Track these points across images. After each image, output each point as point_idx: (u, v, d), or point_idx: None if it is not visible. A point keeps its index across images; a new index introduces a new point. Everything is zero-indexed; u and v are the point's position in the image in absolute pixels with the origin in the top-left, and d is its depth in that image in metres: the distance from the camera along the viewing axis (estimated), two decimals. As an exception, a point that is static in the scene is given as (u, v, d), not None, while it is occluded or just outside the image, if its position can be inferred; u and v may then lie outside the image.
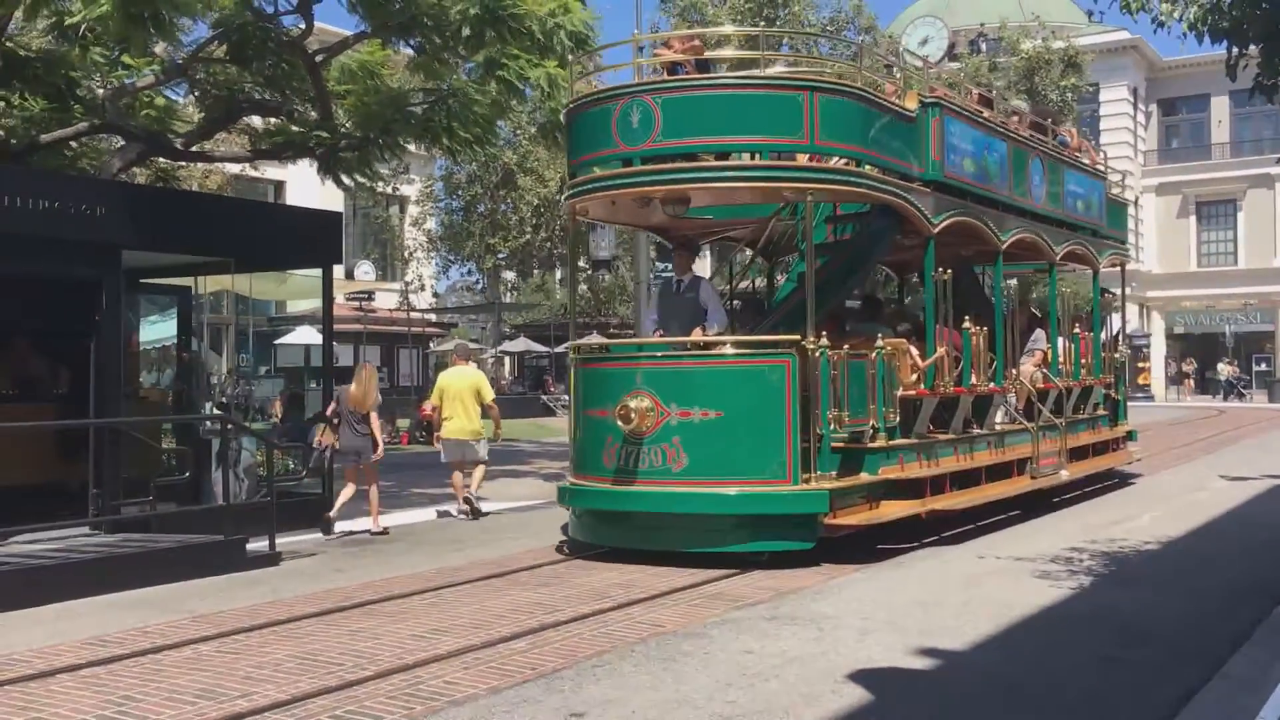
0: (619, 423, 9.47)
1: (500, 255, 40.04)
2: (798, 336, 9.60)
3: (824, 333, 10.40)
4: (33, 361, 11.63)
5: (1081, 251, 15.26)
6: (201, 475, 11.58)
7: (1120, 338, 17.42)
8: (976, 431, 12.32)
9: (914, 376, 11.16)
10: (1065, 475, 13.57)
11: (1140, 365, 45.93)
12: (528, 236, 38.04)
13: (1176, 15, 8.26)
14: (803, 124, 9.48)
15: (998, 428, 12.97)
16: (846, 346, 9.88)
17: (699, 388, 9.48)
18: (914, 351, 11.24)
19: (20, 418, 10.53)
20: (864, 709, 5.51)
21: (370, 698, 5.76)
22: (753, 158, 9.91)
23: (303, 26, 14.29)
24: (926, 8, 46.02)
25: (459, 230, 39.65)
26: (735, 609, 7.82)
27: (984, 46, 41.98)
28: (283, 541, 10.29)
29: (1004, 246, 12.70)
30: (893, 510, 10.32)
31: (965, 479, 11.85)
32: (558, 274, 46.13)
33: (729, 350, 9.75)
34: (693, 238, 11.86)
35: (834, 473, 9.87)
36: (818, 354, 9.57)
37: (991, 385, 12.52)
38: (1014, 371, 13.74)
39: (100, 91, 15.54)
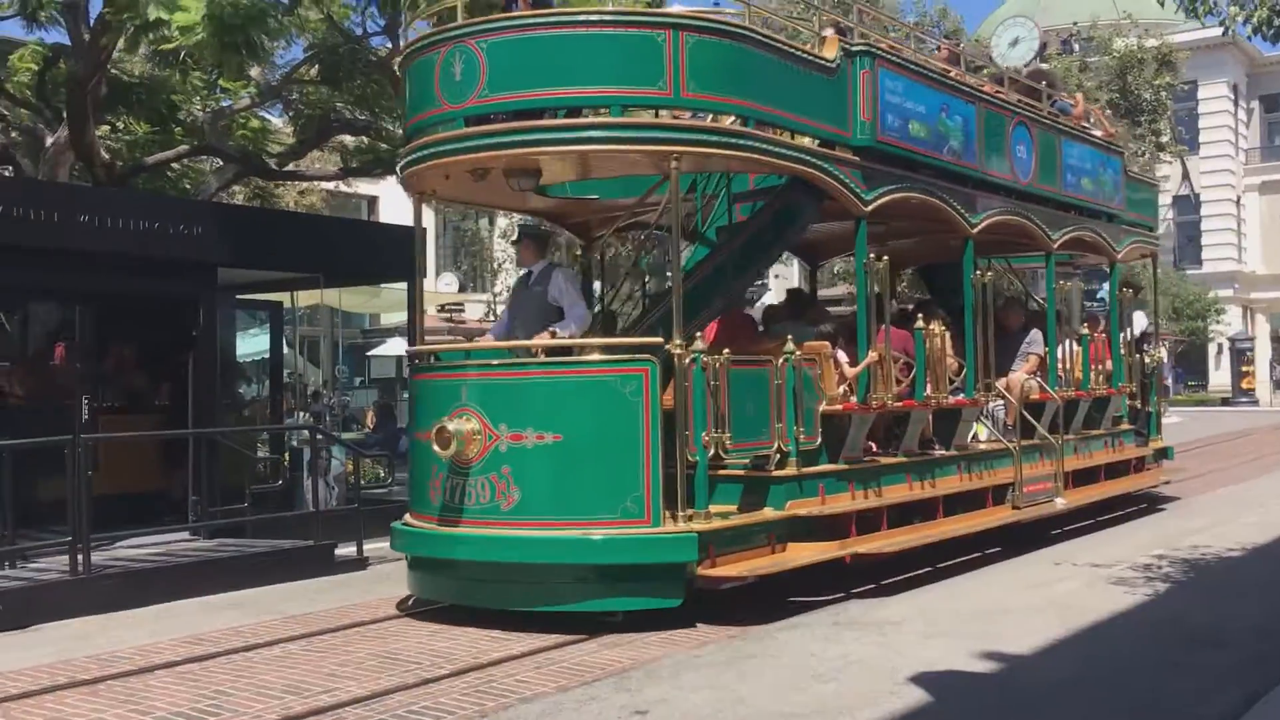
0: (435, 448, 7.59)
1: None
2: (658, 340, 7.64)
3: (724, 334, 8.45)
4: (137, 375, 12.14)
5: (1091, 239, 13.00)
6: (294, 483, 12.35)
7: (1147, 339, 15.05)
8: (939, 453, 10.20)
9: (842, 388, 9.10)
10: (1061, 504, 11.35)
11: (1244, 370, 43.88)
12: (614, 249, 36.82)
13: (1241, 18, 8.15)
14: (664, 71, 7.51)
15: (979, 447, 10.84)
16: (727, 351, 7.86)
17: (533, 404, 7.56)
18: (841, 357, 9.18)
19: (126, 429, 11.02)
20: None
21: (445, 694, 6.04)
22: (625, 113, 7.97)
23: (389, 46, 14.25)
24: (1017, 7, 43.86)
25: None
26: (523, 700, 5.93)
27: (1076, 46, 40.13)
28: (370, 547, 10.35)
29: (975, 231, 10.56)
30: (801, 555, 8.28)
31: (923, 511, 9.75)
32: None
33: (570, 358, 7.80)
34: (586, 223, 9.95)
35: (733, 506, 8.05)
36: (689, 361, 7.59)
37: (959, 397, 10.38)
38: (1000, 381, 11.60)
39: (200, 114, 16.41)
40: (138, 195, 13.38)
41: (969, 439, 10.92)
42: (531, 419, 7.48)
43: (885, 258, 9.13)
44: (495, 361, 7.87)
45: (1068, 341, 12.75)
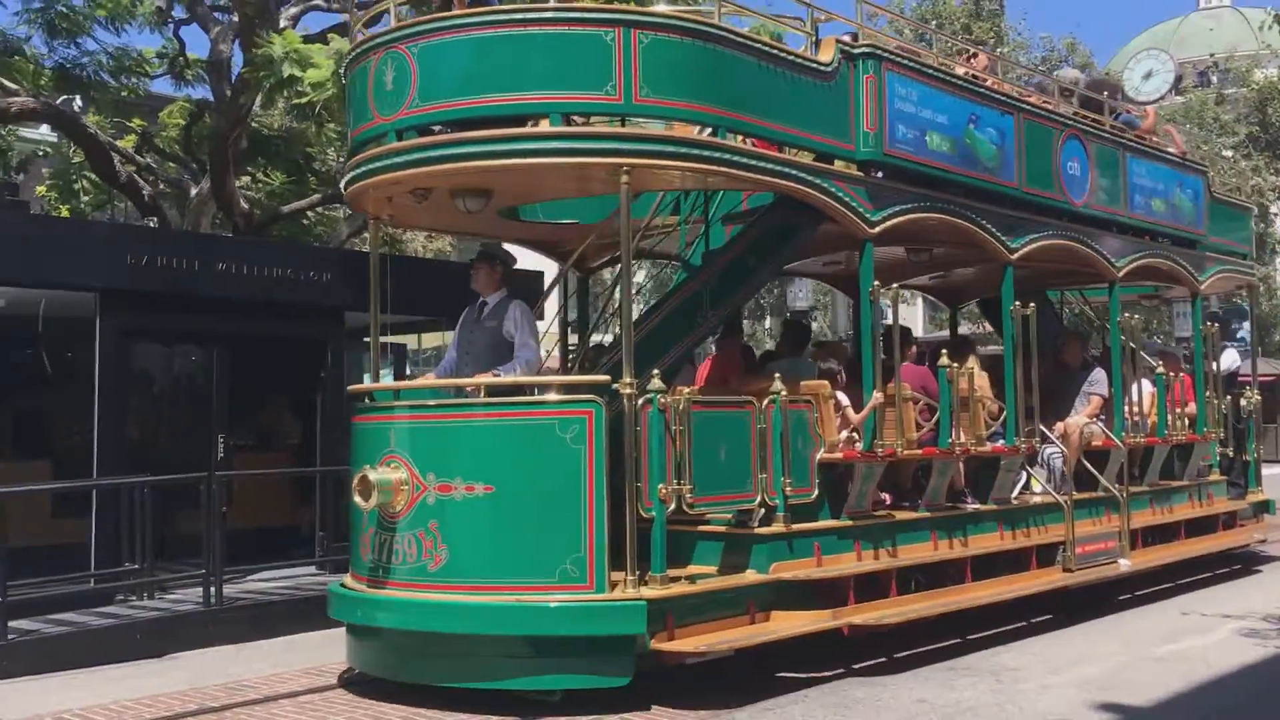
0: (357, 500, 6.76)
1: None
2: (605, 379, 6.70)
3: (715, 373, 7.49)
4: (270, 414, 12.53)
5: (1166, 267, 11.64)
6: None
7: (1240, 379, 13.51)
8: (972, 507, 9.01)
9: (844, 434, 8.02)
10: (1125, 565, 10.01)
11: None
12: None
13: None
14: (613, 74, 6.62)
15: (1031, 500, 9.62)
16: (688, 391, 6.88)
17: (462, 451, 6.67)
18: (841, 399, 8.10)
19: (259, 466, 11.44)
20: None
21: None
22: (584, 122, 7.11)
23: None
24: (1150, 40, 42.23)
25: (663, 282, 38.04)
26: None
27: (1214, 78, 38.47)
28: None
29: (1015, 257, 9.40)
30: (784, 626, 7.21)
31: (956, 574, 8.58)
32: (766, 322, 43.89)
33: (502, 399, 6.90)
34: (580, 251, 9.06)
35: (714, 568, 7.11)
36: (643, 402, 6.64)
37: (997, 444, 9.19)
38: (1057, 426, 10.36)
39: (333, 164, 17.09)
40: (272, 243, 13.92)
41: (1016, 491, 9.72)
42: (461, 468, 6.60)
43: (895, 285, 8.05)
44: (430, 403, 6.99)
45: (1142, 382, 11.42)
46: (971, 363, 9.40)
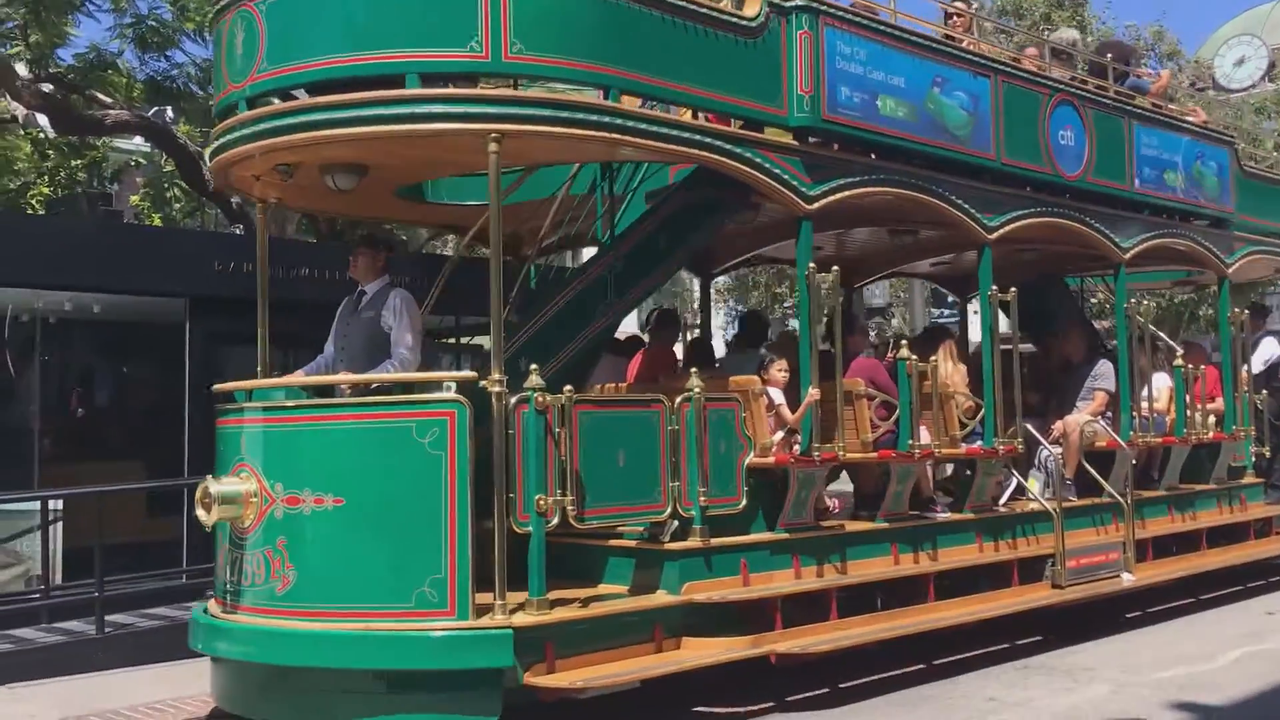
0: (200, 514, 6.02)
1: (787, 305, 37.45)
2: (470, 374, 5.88)
3: (646, 370, 6.66)
4: None
5: (1185, 248, 10.52)
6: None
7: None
8: (943, 516, 8.05)
9: (778, 435, 7.12)
10: (1129, 579, 8.95)
11: None
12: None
13: None
14: (478, 29, 5.80)
15: (1028, 507, 8.63)
16: (569, 389, 6.02)
17: (310, 459, 5.90)
18: (774, 396, 7.19)
19: None
20: None
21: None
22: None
23: None
24: (1241, 25, 40.37)
25: (744, 281, 37.31)
26: None
27: None
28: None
29: (994, 237, 8.41)
30: (694, 655, 6.34)
31: (917, 592, 7.64)
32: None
33: (352, 400, 6.12)
34: (515, 237, 8.26)
35: (624, 588, 6.26)
36: (516, 401, 5.82)
37: (973, 445, 8.22)
38: (1056, 425, 9.36)
39: None
40: (347, 249, 13.91)
41: (1005, 498, 8.74)
42: (309, 477, 5.83)
43: (835, 268, 7.13)
44: (281, 404, 6.20)
45: (1161, 375, 10.34)
46: (944, 354, 8.43)
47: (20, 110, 13.63)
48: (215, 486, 5.91)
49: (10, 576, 9.18)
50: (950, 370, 8.38)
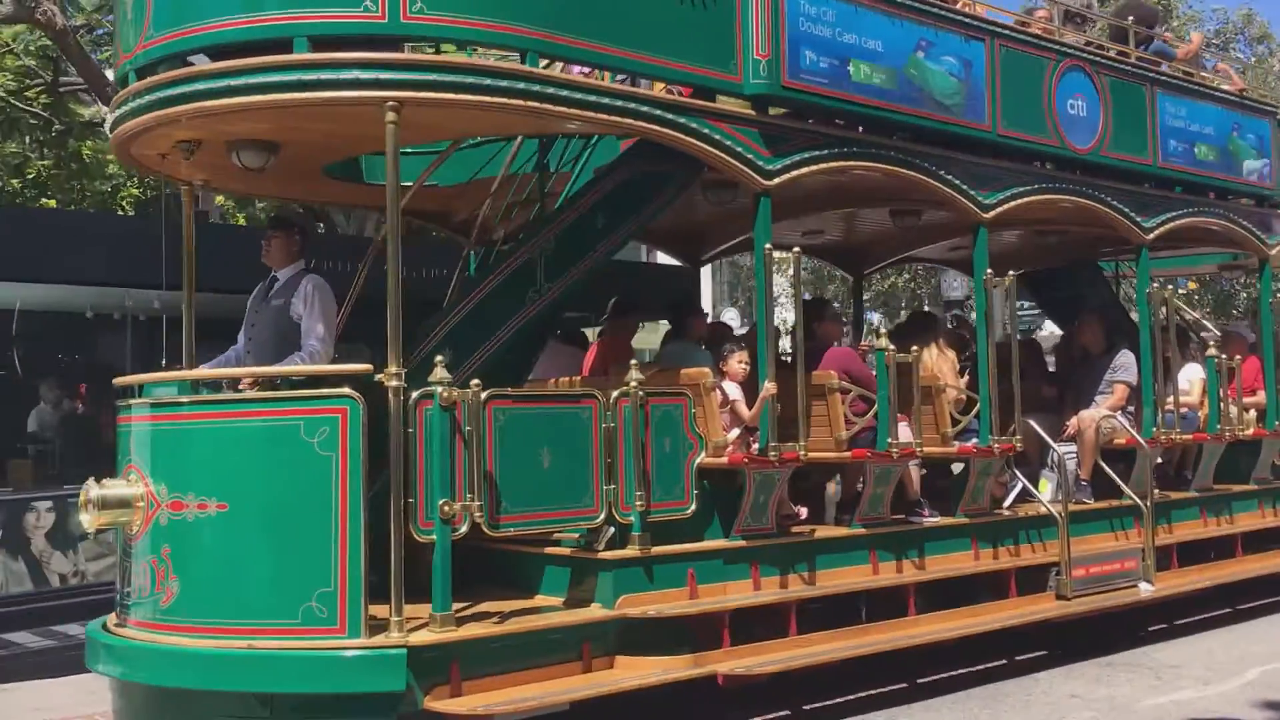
0: (82, 518, 5.56)
1: (865, 297, 36.86)
2: (364, 367, 5.35)
3: (598, 363, 6.12)
4: None
5: (1220, 228, 9.68)
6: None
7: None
8: (930, 521, 7.38)
9: (733, 433, 6.51)
10: (1147, 589, 8.19)
11: None
12: (891, 279, 34.49)
13: None
14: (372, -13, 5.27)
15: (1042, 511, 7.92)
16: (476, 384, 5.46)
17: (196, 460, 5.40)
18: (730, 390, 6.57)
19: None
20: None
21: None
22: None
23: None
24: None
25: (821, 274, 36.88)
26: None
27: None
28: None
29: (990, 215, 7.70)
30: (626, 676, 5.75)
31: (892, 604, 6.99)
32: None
33: (237, 395, 5.61)
34: (474, 221, 7.73)
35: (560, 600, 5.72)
36: (420, 398, 5.29)
37: (967, 444, 7.53)
38: (1071, 420, 8.64)
39: None
40: (430, 246, 13.89)
41: (1010, 501, 8.04)
42: (194, 480, 5.33)
43: (796, 248, 6.49)
44: (170, 400, 5.67)
45: (1192, 366, 9.54)
46: (931, 344, 7.76)
47: (111, 115, 13.56)
48: (95, 490, 5.45)
49: (104, 567, 8.95)
50: (936, 361, 7.71)
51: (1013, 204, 7.80)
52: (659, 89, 6.52)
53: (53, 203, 16.87)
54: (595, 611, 5.84)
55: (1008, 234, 9.79)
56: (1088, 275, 11.17)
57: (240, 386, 5.80)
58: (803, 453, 6.45)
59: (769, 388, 6.36)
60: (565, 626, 5.70)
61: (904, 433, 7.07)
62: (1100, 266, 11.65)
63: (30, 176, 16.99)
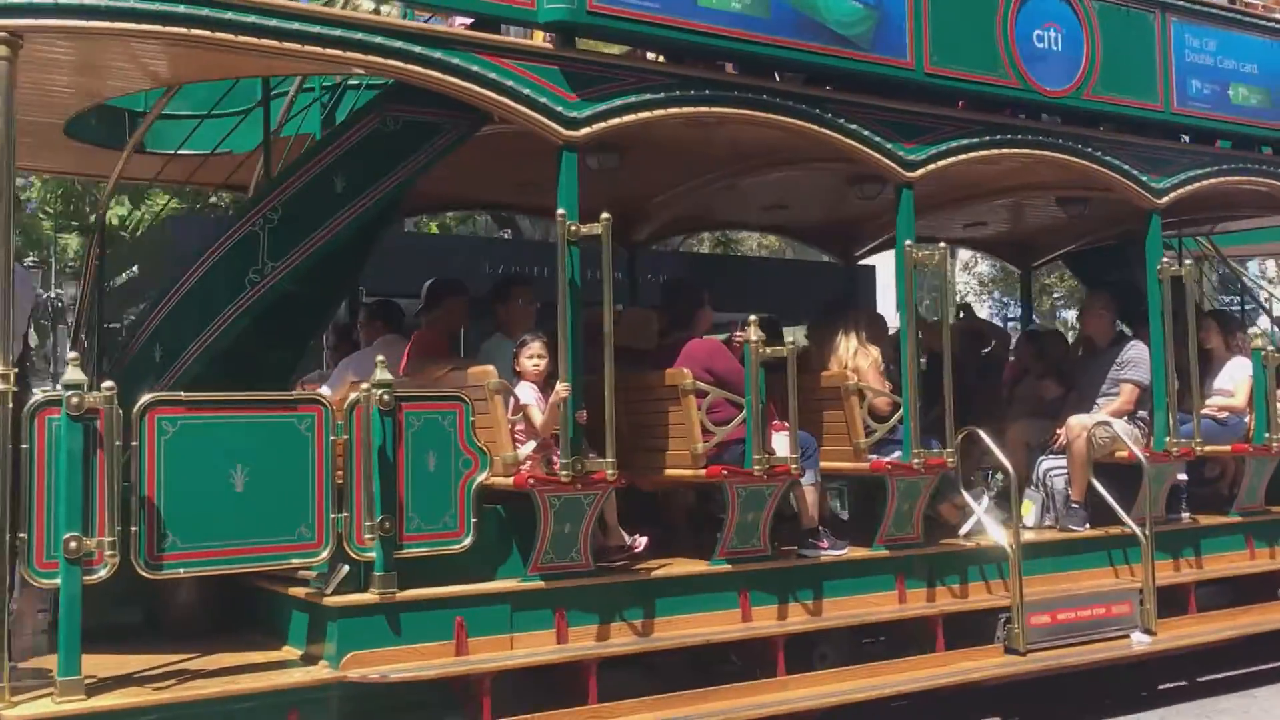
0: None
1: (1057, 295, 35.06)
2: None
3: (411, 364, 5.02)
4: None
5: (1270, 189, 7.85)
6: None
7: None
8: (829, 554, 5.92)
9: (528, 446, 5.21)
10: (1142, 641, 6.51)
11: None
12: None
13: None
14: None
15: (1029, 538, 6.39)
16: (105, 385, 4.32)
17: None
18: (526, 394, 5.26)
19: None
20: None
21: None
22: None
23: None
24: None
25: (1010, 272, 35.40)
26: None
27: None
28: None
29: (916, 175, 6.18)
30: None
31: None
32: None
33: None
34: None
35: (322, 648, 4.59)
36: (42, 408, 4.20)
37: (886, 458, 6.05)
38: (1061, 429, 7.06)
39: None
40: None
41: (966, 527, 6.52)
42: None
43: (605, 215, 5.15)
44: None
45: (1238, 361, 7.77)
46: (848, 335, 6.29)
47: None
48: None
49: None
50: (852, 356, 6.24)
51: (950, 160, 6.27)
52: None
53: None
54: (304, 673, 4.66)
55: (1050, 207, 8.27)
56: (1119, 250, 9.39)
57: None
58: (610, 471, 5.10)
59: (561, 390, 5.04)
60: (253, 694, 4.50)
61: (781, 445, 5.64)
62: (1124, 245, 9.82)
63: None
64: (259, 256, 4.95)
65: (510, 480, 5.07)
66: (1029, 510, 7.07)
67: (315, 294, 5.35)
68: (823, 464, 6.17)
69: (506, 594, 5.06)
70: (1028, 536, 6.56)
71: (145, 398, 4.38)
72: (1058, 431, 7.12)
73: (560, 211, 5.08)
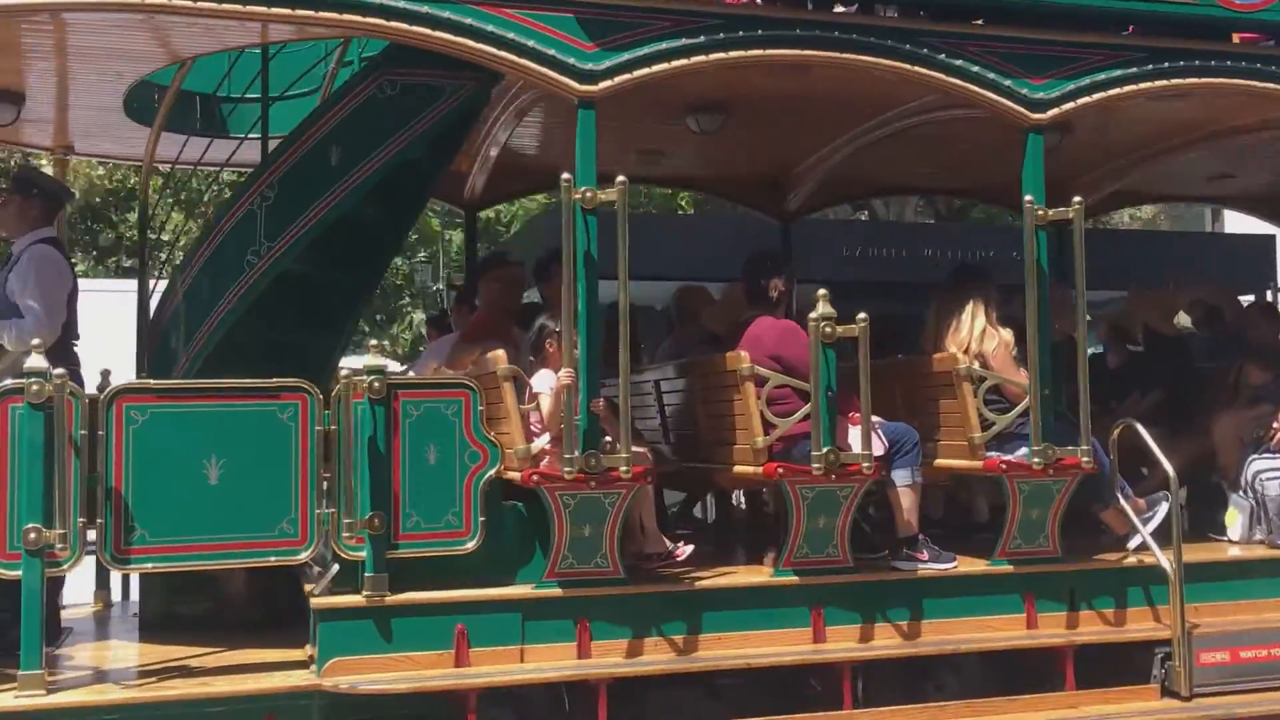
0: None
1: None
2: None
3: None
4: None
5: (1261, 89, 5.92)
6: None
7: None
8: (926, 568, 5.05)
9: (541, 440, 4.71)
10: None
11: None
12: None
13: None
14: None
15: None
16: (57, 372, 4.18)
17: None
18: (541, 380, 4.74)
19: None
20: None
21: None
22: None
23: None
24: None
25: None
26: None
27: None
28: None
29: (1043, 117, 5.14)
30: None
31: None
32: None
33: None
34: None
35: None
36: (7, 395, 4.16)
37: (1012, 456, 5.10)
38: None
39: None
40: (973, 227, 14.58)
41: (1134, 542, 5.46)
42: None
43: (621, 179, 4.54)
44: None
45: None
46: (974, 311, 5.35)
47: None
48: None
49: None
50: (978, 337, 5.30)
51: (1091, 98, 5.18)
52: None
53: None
54: (283, 678, 4.39)
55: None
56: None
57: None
58: (625, 470, 4.50)
59: (564, 376, 4.51)
60: (228, 698, 4.26)
61: (856, 440, 4.84)
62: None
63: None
64: (257, 236, 4.72)
65: (513, 474, 4.60)
66: (1234, 520, 5.84)
67: (341, 278, 5.07)
68: (938, 461, 5.31)
69: (517, 601, 4.58)
70: (1207, 554, 5.39)
71: (112, 386, 4.25)
72: (1274, 426, 5.83)
73: (565, 176, 4.53)
